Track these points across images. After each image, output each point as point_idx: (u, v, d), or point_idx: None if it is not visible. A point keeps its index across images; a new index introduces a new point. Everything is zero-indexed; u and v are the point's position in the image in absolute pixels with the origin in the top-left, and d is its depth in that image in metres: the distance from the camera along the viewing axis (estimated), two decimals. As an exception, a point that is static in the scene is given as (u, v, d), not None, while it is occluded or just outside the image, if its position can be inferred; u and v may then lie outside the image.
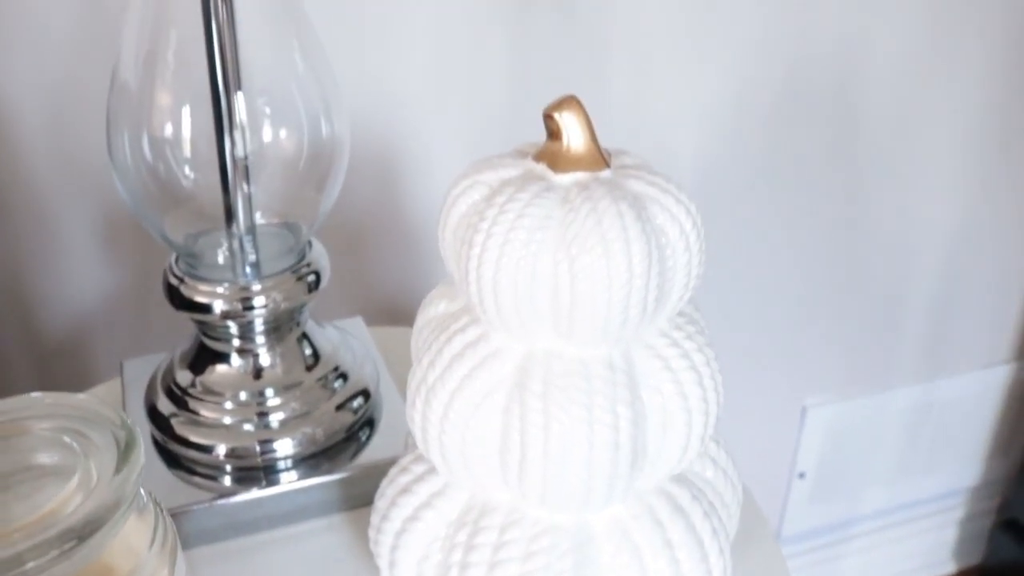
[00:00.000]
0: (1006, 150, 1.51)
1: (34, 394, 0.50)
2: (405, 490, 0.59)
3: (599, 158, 0.53)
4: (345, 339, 0.82)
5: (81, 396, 0.50)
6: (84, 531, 0.43)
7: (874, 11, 1.30)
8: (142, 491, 0.49)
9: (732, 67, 1.27)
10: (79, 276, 1.11)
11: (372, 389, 0.79)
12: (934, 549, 1.94)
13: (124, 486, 0.45)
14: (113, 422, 0.48)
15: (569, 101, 0.53)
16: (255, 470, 0.73)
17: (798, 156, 1.38)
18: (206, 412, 0.73)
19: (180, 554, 0.51)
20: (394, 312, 1.23)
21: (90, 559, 0.44)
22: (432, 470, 0.59)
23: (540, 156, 0.54)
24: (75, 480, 0.46)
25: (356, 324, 0.90)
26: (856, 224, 1.49)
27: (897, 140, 1.42)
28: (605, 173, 0.53)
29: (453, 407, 0.53)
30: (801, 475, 1.71)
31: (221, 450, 0.72)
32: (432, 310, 0.59)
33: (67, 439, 0.48)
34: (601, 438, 0.51)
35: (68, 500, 0.45)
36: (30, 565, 0.41)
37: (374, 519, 0.61)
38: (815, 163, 1.39)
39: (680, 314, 0.56)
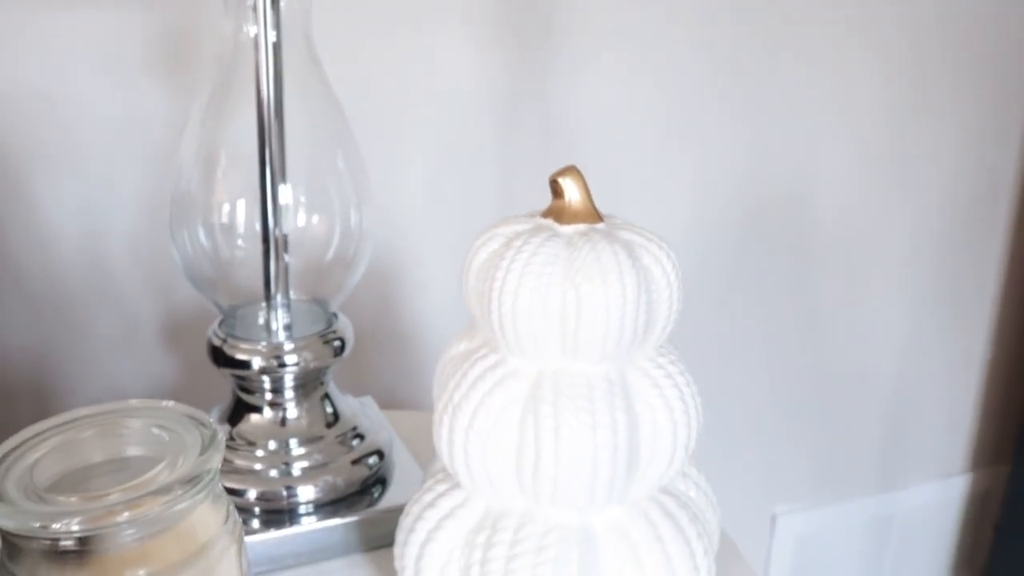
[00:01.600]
0: (949, 274, 1.66)
1: (130, 400, 0.59)
2: (429, 505, 0.67)
3: (595, 214, 0.65)
4: (363, 408, 0.91)
5: (169, 402, 0.59)
6: (172, 492, 0.51)
7: (823, 159, 1.46)
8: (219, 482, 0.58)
9: (696, 205, 1.41)
10: (102, 368, 1.19)
11: (386, 451, 0.88)
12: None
13: (206, 463, 0.54)
14: (198, 421, 0.57)
15: (570, 169, 0.65)
16: (281, 512, 0.81)
17: (761, 285, 1.51)
18: (239, 460, 0.82)
19: (244, 539, 0.59)
20: (393, 402, 1.32)
21: (176, 520, 0.53)
22: (453, 487, 0.67)
23: (547, 213, 0.65)
24: (164, 462, 0.54)
25: (368, 401, 0.99)
26: (816, 344, 1.61)
27: (850, 270, 1.57)
28: (600, 225, 0.64)
29: (476, 420, 0.63)
30: (773, 584, 1.77)
31: (252, 494, 0.80)
32: (453, 350, 0.69)
33: (156, 431, 0.57)
34: (603, 439, 0.60)
35: (158, 475, 0.53)
36: (124, 516, 0.50)
37: (399, 536, 0.69)
38: (777, 291, 1.53)
39: (663, 347, 0.67)
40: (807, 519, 1.75)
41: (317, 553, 0.81)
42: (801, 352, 1.60)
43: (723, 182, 1.41)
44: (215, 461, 0.55)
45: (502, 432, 0.62)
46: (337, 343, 0.82)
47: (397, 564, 0.69)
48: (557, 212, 0.65)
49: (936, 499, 1.85)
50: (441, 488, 0.68)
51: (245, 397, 0.82)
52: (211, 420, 0.57)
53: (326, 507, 0.82)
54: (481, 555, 0.64)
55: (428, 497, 0.68)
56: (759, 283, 1.50)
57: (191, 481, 0.53)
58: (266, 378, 0.80)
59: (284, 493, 0.81)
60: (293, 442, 0.82)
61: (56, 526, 0.49)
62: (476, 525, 0.65)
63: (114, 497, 0.50)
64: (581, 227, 0.64)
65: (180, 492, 0.52)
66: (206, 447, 0.55)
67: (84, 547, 0.50)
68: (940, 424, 1.80)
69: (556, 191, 0.65)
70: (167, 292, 1.18)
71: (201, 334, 0.83)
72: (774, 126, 1.41)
